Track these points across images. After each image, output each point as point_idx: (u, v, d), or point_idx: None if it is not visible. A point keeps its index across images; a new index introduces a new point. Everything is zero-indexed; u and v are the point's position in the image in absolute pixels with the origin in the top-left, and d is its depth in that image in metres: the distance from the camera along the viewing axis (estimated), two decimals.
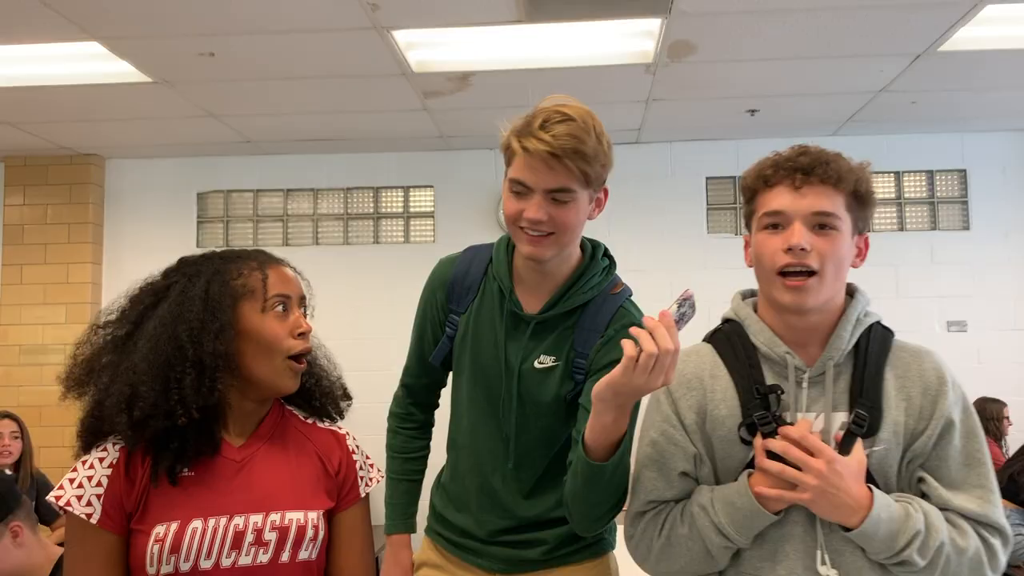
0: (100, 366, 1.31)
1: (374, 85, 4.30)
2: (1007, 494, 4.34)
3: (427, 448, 1.92)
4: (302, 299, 1.42)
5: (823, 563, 1.30)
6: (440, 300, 1.77)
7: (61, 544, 2.66)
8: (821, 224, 1.34)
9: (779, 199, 1.36)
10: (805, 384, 1.36)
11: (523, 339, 1.65)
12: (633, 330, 1.27)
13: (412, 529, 1.86)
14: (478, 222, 5.48)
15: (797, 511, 1.32)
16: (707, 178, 5.51)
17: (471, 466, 1.74)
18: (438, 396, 1.93)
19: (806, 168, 1.35)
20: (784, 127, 5.22)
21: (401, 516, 1.86)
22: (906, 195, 5.49)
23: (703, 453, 1.41)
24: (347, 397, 1.51)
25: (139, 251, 5.61)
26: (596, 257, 1.69)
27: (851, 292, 1.44)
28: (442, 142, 5.42)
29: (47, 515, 4.04)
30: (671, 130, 5.29)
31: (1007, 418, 4.83)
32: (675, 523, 1.39)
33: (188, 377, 1.25)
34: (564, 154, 1.47)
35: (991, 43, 3.87)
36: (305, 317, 1.42)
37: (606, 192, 1.62)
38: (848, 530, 1.28)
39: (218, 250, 1.41)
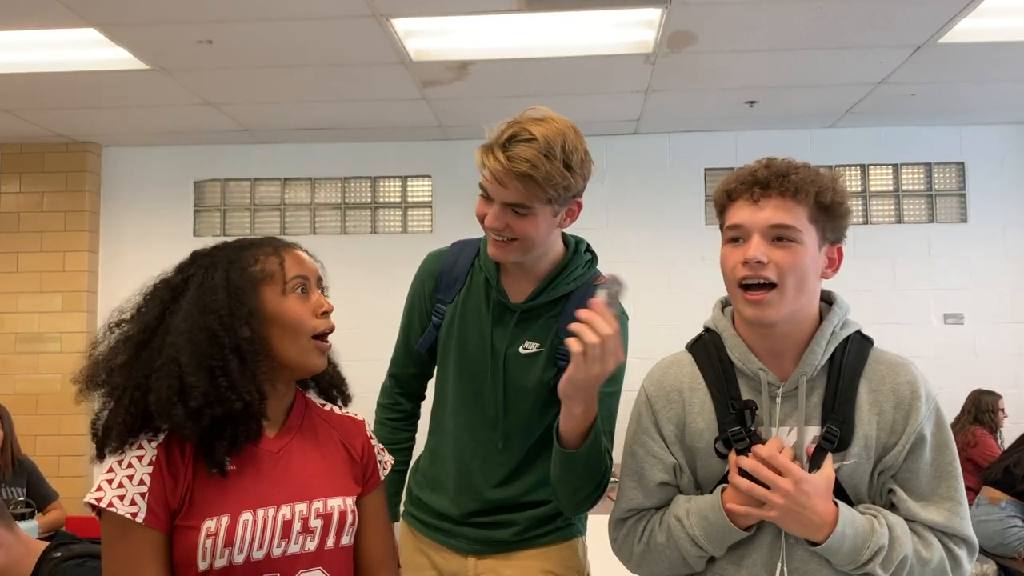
0: (116, 364, 1.30)
1: (372, 74, 4.29)
2: (1002, 486, 4.36)
3: (412, 440, 1.96)
4: (319, 280, 1.43)
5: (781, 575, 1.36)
6: (428, 290, 1.84)
7: (47, 538, 2.66)
8: (779, 237, 1.35)
9: (739, 213, 1.37)
10: (779, 399, 1.39)
11: (509, 326, 1.73)
12: (572, 326, 1.35)
13: (395, 518, 1.90)
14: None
15: (769, 523, 1.36)
16: (705, 169, 5.51)
17: (452, 449, 1.80)
18: (424, 387, 1.97)
19: (764, 181, 1.36)
20: (783, 119, 5.22)
21: None
22: (904, 187, 5.49)
23: (682, 463, 1.45)
24: (343, 379, 1.53)
25: (136, 239, 5.60)
26: (579, 251, 1.77)
27: (830, 301, 1.45)
28: (440, 132, 5.40)
29: (39, 501, 4.05)
30: (670, 121, 5.28)
31: (1002, 410, 4.86)
32: (653, 532, 1.44)
33: (232, 363, 1.27)
34: (516, 178, 1.54)
35: (991, 35, 3.87)
36: (325, 297, 1.44)
37: (579, 204, 1.67)
38: (815, 544, 1.32)
39: (230, 240, 1.43)
